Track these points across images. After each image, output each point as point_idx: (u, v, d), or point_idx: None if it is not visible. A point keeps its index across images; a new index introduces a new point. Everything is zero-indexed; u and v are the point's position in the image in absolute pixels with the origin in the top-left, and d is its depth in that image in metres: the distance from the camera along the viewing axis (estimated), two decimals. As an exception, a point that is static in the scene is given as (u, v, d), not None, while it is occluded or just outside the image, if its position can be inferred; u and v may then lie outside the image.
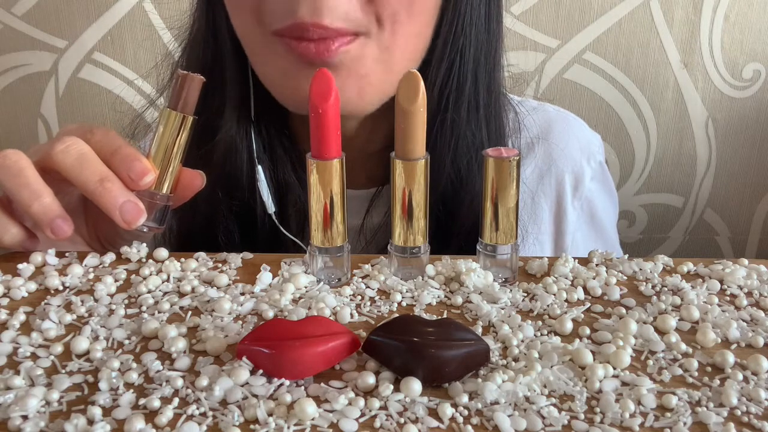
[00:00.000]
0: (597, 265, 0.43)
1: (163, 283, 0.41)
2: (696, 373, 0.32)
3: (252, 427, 0.28)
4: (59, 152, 0.42)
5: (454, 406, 0.30)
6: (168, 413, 0.29)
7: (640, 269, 0.43)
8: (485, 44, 0.54)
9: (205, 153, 0.54)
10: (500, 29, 0.56)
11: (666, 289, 0.40)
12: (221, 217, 0.55)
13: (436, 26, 0.52)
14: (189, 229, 0.57)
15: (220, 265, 0.43)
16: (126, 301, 0.39)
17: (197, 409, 0.29)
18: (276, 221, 0.55)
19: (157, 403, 0.29)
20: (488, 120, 0.54)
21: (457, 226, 0.53)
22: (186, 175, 0.45)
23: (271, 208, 0.55)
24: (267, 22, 0.48)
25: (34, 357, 0.34)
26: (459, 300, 0.39)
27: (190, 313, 0.38)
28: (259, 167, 0.54)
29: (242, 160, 0.55)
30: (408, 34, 0.49)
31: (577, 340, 0.35)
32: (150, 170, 0.43)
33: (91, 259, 0.43)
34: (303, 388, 0.31)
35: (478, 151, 0.53)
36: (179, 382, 0.31)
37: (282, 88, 0.51)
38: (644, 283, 0.41)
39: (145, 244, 0.45)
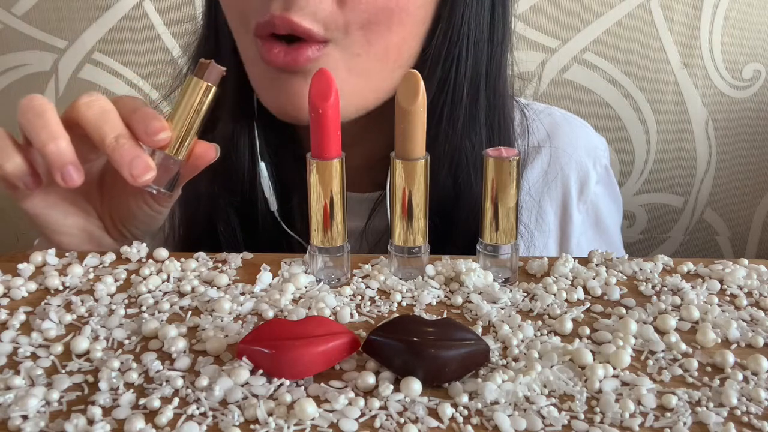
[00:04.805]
0: (597, 265, 0.43)
1: (163, 283, 0.41)
2: (696, 373, 0.32)
3: (252, 427, 0.28)
4: (83, 104, 0.43)
5: (454, 406, 0.30)
6: (168, 413, 0.29)
7: (640, 269, 0.43)
8: (488, 54, 0.52)
9: None
10: (507, 35, 0.54)
11: (666, 289, 0.40)
12: (222, 215, 0.55)
13: (429, 35, 0.50)
14: (191, 227, 0.57)
15: (220, 265, 0.43)
16: (126, 301, 0.39)
17: (197, 409, 0.29)
18: (279, 219, 0.54)
19: (157, 403, 0.29)
20: (491, 128, 0.53)
21: (454, 236, 0.53)
22: (201, 145, 0.45)
23: (273, 205, 0.54)
24: (249, 23, 0.48)
25: (34, 357, 0.34)
26: (459, 300, 0.39)
27: (190, 313, 0.38)
28: (262, 164, 0.54)
29: (243, 157, 0.54)
30: (387, 43, 0.48)
31: (577, 340, 0.35)
32: (167, 128, 0.43)
33: (91, 259, 0.43)
34: (303, 388, 0.31)
35: (476, 162, 0.52)
36: (179, 382, 0.31)
37: (260, 92, 0.51)
38: (644, 283, 0.41)
39: (145, 245, 0.45)
